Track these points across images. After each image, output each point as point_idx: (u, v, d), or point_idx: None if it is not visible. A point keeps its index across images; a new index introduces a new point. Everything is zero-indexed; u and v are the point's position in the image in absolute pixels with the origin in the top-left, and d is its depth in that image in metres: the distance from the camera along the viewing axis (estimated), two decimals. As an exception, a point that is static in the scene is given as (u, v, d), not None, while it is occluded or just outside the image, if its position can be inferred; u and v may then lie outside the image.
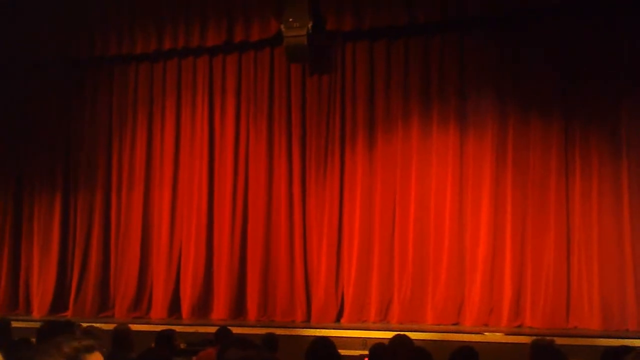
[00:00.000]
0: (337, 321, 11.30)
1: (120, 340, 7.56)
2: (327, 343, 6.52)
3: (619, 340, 9.12)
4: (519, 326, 10.50)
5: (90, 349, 3.14)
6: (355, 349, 9.14)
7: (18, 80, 13.22)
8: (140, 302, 12.28)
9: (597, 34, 10.69)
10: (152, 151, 12.62)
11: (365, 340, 9.59)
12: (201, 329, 10.48)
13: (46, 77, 13.15)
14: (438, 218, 11.12)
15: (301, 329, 10.58)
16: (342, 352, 6.70)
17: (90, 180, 12.85)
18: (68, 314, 12.25)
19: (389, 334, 8.88)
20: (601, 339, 9.32)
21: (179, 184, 12.39)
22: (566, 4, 10.61)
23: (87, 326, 8.19)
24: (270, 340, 7.94)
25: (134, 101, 12.81)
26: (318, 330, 10.35)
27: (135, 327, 8.43)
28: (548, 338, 7.50)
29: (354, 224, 11.50)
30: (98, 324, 10.30)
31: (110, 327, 9.62)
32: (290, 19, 11.40)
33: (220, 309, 11.83)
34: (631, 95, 10.53)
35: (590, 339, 9.42)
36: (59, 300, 12.65)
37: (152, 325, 10.61)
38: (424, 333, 9.87)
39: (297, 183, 11.86)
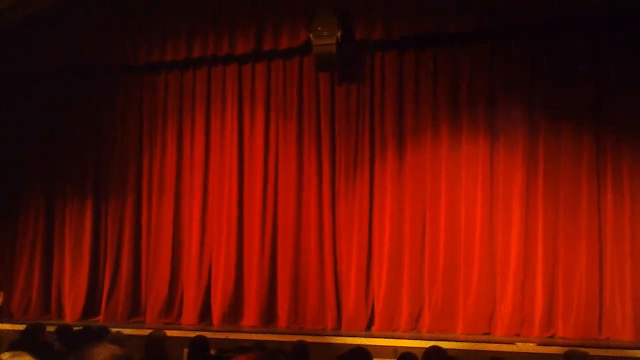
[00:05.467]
0: (368, 329, 11.28)
1: (154, 348, 7.61)
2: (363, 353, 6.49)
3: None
4: (551, 336, 10.45)
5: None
6: (386, 358, 9.11)
7: (49, 90, 13.35)
8: (171, 308, 12.35)
9: (629, 44, 10.62)
10: (182, 159, 12.68)
11: (395, 349, 9.57)
12: (232, 336, 10.53)
13: (77, 86, 13.29)
14: (468, 227, 11.09)
15: (332, 337, 10.59)
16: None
17: (121, 187, 12.95)
18: (100, 319, 12.39)
19: (420, 343, 8.95)
20: (634, 351, 9.28)
21: (209, 191, 12.44)
22: (598, 15, 10.54)
23: (115, 332, 8.25)
24: (301, 349, 7.95)
25: (164, 109, 12.89)
26: (348, 338, 10.35)
27: (166, 332, 8.44)
28: (582, 349, 7.47)
29: (384, 233, 11.49)
30: (129, 330, 10.46)
31: (141, 332, 9.79)
32: (319, 28, 11.40)
33: (250, 316, 11.87)
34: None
35: (623, 350, 9.37)
36: (91, 305, 12.76)
37: (182, 332, 10.70)
38: (455, 342, 9.84)
39: (327, 192, 11.87)
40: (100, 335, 8.17)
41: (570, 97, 10.89)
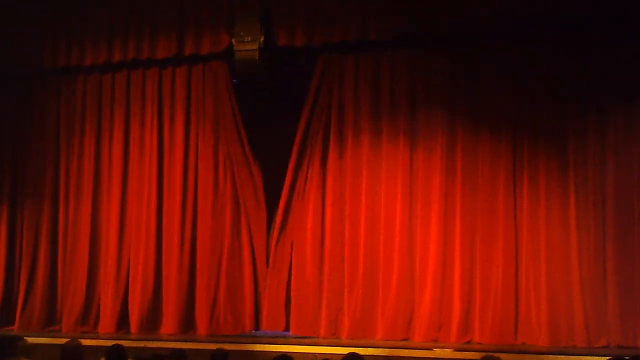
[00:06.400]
0: (286, 335, 11.24)
1: (70, 357, 7.48)
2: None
3: (567, 357, 9.29)
4: (468, 342, 10.55)
5: None
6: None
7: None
8: (88, 316, 12.08)
9: (547, 54, 10.80)
10: (100, 163, 12.43)
11: (315, 355, 9.59)
12: (150, 344, 10.40)
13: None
14: (388, 233, 11.12)
15: (251, 344, 10.50)
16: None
17: (37, 194, 12.62)
18: (14, 328, 12.11)
19: (339, 350, 8.97)
20: (549, 356, 9.45)
21: (127, 197, 12.23)
22: (518, 24, 10.68)
23: (22, 342, 8.08)
24: (220, 356, 7.92)
25: (82, 113, 12.61)
26: (268, 345, 10.31)
27: (83, 341, 8.31)
28: (497, 354, 7.57)
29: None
30: (44, 339, 10.29)
31: (57, 341, 9.63)
32: (242, 33, 11.37)
33: (169, 324, 11.70)
34: (578, 114, 10.67)
35: (538, 356, 9.54)
36: (5, 314, 12.40)
37: (99, 340, 10.55)
38: (374, 349, 9.88)
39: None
40: (13, 345, 7.99)
41: (489, 103, 11.01)
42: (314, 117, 11.65)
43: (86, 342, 8.89)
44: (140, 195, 12.17)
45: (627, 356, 6.55)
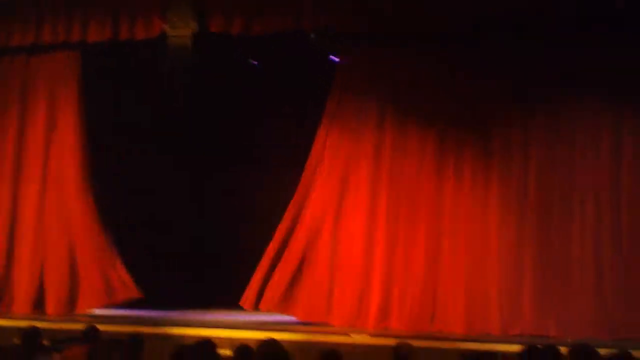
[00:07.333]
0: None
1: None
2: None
3: (481, 343, 9.41)
4: (385, 328, 10.61)
5: None
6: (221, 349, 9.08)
7: None
8: (2, 296, 11.87)
9: (473, 53, 10.99)
10: (22, 146, 12.27)
11: (232, 340, 9.55)
12: (65, 326, 10.26)
13: None
14: (315, 215, 11.17)
15: (168, 327, 10.41)
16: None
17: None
18: None
19: (258, 334, 8.97)
20: (464, 342, 9.57)
21: (47, 178, 12.07)
22: (442, 23, 10.79)
23: None
24: (137, 340, 7.86)
25: (6, 94, 12.45)
26: (186, 329, 10.20)
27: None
28: (407, 343, 7.62)
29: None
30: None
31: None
32: (175, 19, 11.30)
33: (84, 304, 11.60)
34: (503, 109, 10.93)
35: (453, 342, 9.68)
36: None
37: (15, 321, 10.46)
38: (290, 334, 9.86)
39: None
40: None
41: (418, 97, 11.20)
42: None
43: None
44: (61, 176, 12.00)
45: (539, 345, 6.63)
